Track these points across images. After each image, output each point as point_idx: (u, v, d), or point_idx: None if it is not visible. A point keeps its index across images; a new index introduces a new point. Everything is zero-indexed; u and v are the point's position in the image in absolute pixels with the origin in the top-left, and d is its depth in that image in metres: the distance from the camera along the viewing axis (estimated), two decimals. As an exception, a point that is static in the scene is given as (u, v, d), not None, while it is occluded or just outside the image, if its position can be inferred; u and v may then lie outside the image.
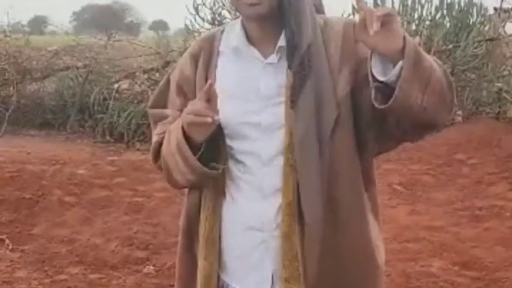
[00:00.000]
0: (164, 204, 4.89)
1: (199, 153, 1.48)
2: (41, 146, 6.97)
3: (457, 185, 5.33)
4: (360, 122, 1.48)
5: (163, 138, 1.57)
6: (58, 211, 4.77)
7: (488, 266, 3.77)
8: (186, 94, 1.59)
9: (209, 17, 7.91)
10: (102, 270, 3.85)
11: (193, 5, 7.88)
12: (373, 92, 1.38)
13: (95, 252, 4.08)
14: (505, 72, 7.47)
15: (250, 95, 1.50)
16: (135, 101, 7.54)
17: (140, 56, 8.46)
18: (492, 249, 4.02)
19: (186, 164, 1.49)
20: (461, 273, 3.71)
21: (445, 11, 7.38)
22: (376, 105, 1.37)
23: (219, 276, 1.58)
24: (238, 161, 1.54)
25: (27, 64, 8.28)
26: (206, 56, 1.57)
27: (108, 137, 7.44)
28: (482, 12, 7.45)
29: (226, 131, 1.52)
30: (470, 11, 7.41)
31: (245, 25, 1.53)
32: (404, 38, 1.34)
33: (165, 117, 1.63)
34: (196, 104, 1.44)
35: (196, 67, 1.58)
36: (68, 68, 8.28)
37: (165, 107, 1.65)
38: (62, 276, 3.76)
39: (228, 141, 1.53)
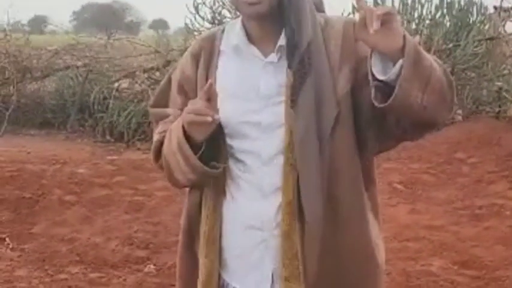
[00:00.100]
0: (165, 203, 4.89)
1: (200, 152, 1.49)
2: (41, 145, 6.97)
3: (457, 184, 5.33)
4: (359, 121, 1.48)
5: (164, 137, 1.57)
6: (58, 210, 4.77)
7: (488, 265, 3.77)
8: (187, 93, 1.60)
9: (209, 16, 7.92)
10: (103, 269, 3.85)
11: (194, 4, 7.89)
12: (373, 91, 1.38)
13: (95, 251, 4.08)
14: (505, 71, 7.47)
15: (251, 94, 1.50)
16: (135, 100, 7.54)
17: (140, 55, 8.46)
18: (492, 248, 4.02)
19: (187, 163, 1.50)
20: (461, 272, 3.71)
21: (445, 10, 7.38)
22: (376, 104, 1.37)
23: (219, 275, 1.58)
24: (238, 160, 1.54)
25: (27, 63, 8.28)
26: (207, 55, 1.57)
27: (108, 136, 7.44)
28: (482, 11, 7.45)
29: (226, 130, 1.52)
30: (470, 10, 7.41)
31: (245, 24, 1.53)
32: (404, 36, 1.34)
33: (166, 116, 1.63)
34: (197, 103, 1.44)
35: (197, 66, 1.58)
36: (68, 67, 8.29)
37: (166, 106, 1.65)
38: (62, 275, 3.76)
39: (228, 140, 1.53)
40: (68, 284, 3.65)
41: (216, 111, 1.44)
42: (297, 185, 1.46)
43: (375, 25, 1.30)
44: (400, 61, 1.34)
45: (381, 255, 1.57)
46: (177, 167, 1.52)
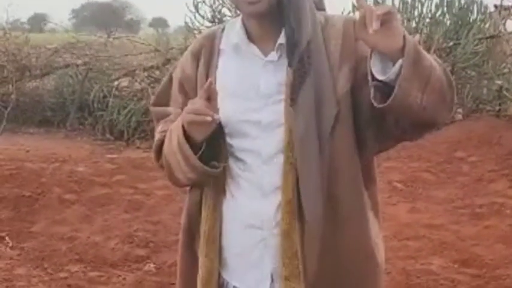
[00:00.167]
0: (164, 202, 4.89)
1: (200, 152, 1.48)
2: (41, 143, 6.97)
3: (457, 183, 5.33)
4: (359, 121, 1.48)
5: (165, 136, 1.57)
6: (58, 209, 4.77)
7: (488, 264, 3.77)
8: (187, 92, 1.59)
9: (209, 15, 7.91)
10: (102, 268, 3.85)
11: (193, 2, 7.89)
12: (372, 91, 1.37)
13: (95, 250, 4.08)
14: (505, 70, 7.47)
15: (251, 93, 1.50)
16: (135, 99, 7.54)
17: (140, 53, 8.45)
18: (492, 246, 4.02)
19: (187, 163, 1.49)
20: (462, 270, 3.71)
21: (445, 9, 7.38)
22: (375, 104, 1.37)
23: (219, 275, 1.58)
24: (238, 159, 1.53)
25: (26, 62, 8.28)
26: (207, 54, 1.57)
27: (108, 135, 7.44)
28: (483, 9, 7.45)
29: (226, 129, 1.52)
30: (471, 8, 7.41)
31: (245, 23, 1.53)
32: (404, 36, 1.33)
33: (167, 115, 1.63)
34: (196, 103, 1.44)
35: (197, 65, 1.58)
36: (67, 66, 8.28)
37: (167, 105, 1.65)
38: (62, 274, 3.76)
39: (228, 139, 1.53)
40: (68, 282, 3.65)
41: (216, 110, 1.44)
42: (297, 184, 1.46)
43: (375, 25, 1.29)
44: (400, 61, 1.33)
45: (381, 254, 1.57)
46: (177, 166, 1.52)
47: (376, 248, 1.55)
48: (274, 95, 1.48)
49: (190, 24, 7.99)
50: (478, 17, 7.38)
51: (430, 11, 7.40)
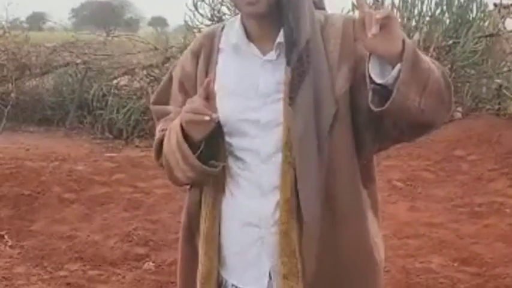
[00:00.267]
0: (164, 201, 4.88)
1: (199, 151, 1.48)
2: (40, 142, 6.96)
3: (456, 182, 5.33)
4: (357, 121, 1.48)
5: (164, 135, 1.57)
6: (57, 207, 4.77)
7: (488, 262, 3.77)
8: (187, 91, 1.60)
9: (208, 14, 7.90)
10: (102, 266, 3.85)
11: (193, 1, 7.87)
12: (370, 94, 1.37)
13: (94, 248, 4.08)
14: (505, 69, 7.46)
15: (250, 92, 1.50)
16: (134, 97, 7.53)
17: (139, 52, 8.44)
18: (492, 245, 4.02)
19: (186, 162, 1.49)
20: (461, 269, 3.71)
21: (444, 7, 7.37)
22: (373, 108, 1.37)
23: (218, 273, 1.58)
24: (237, 158, 1.53)
25: (26, 60, 8.26)
26: (206, 52, 1.57)
27: (107, 133, 7.43)
28: (482, 8, 7.44)
29: (225, 128, 1.52)
30: (470, 6, 7.40)
31: (244, 22, 1.53)
32: (403, 40, 1.33)
33: (167, 113, 1.64)
34: (195, 102, 1.44)
35: (197, 64, 1.58)
36: (67, 64, 8.27)
37: (167, 103, 1.66)
38: (62, 273, 3.76)
39: (227, 138, 1.53)
40: (67, 281, 3.65)
41: (215, 110, 1.44)
42: (295, 183, 1.46)
43: (374, 29, 1.29)
44: (399, 65, 1.33)
45: (380, 253, 1.57)
46: (177, 165, 1.52)
47: (376, 246, 1.55)
48: (273, 94, 1.48)
49: (189, 23, 7.98)
50: (478, 16, 7.37)
51: (430, 9, 7.39)
